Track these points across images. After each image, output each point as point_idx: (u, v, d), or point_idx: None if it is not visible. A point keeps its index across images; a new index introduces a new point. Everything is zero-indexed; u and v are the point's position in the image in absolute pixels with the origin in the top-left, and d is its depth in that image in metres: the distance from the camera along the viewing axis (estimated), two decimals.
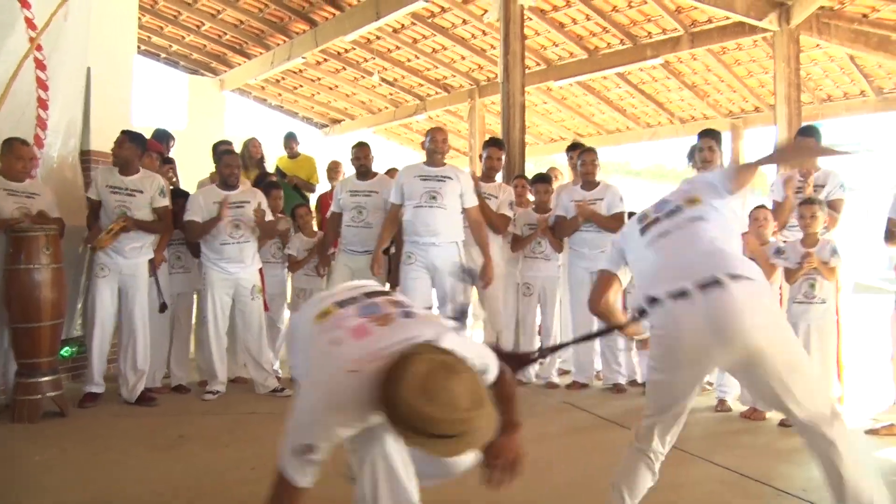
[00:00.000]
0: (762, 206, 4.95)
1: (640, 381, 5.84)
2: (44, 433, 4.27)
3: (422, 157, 6.00)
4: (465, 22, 9.39)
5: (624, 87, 10.75)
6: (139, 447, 4.01)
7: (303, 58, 10.39)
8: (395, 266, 5.71)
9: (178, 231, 5.53)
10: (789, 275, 4.67)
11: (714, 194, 2.69)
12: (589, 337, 4.20)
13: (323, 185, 7.84)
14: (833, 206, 4.95)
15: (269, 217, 5.52)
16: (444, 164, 5.47)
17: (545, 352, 4.78)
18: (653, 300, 2.46)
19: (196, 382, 5.62)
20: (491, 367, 2.23)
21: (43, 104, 5.46)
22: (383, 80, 11.56)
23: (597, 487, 3.47)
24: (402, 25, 9.74)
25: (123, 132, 5.19)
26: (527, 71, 7.38)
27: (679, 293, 2.37)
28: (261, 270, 5.58)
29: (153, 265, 5.26)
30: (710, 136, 5.11)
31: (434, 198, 5.25)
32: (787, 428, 4.53)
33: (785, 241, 4.87)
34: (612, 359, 5.67)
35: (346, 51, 10.85)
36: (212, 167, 6.25)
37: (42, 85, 5.44)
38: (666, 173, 21.88)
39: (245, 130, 8.10)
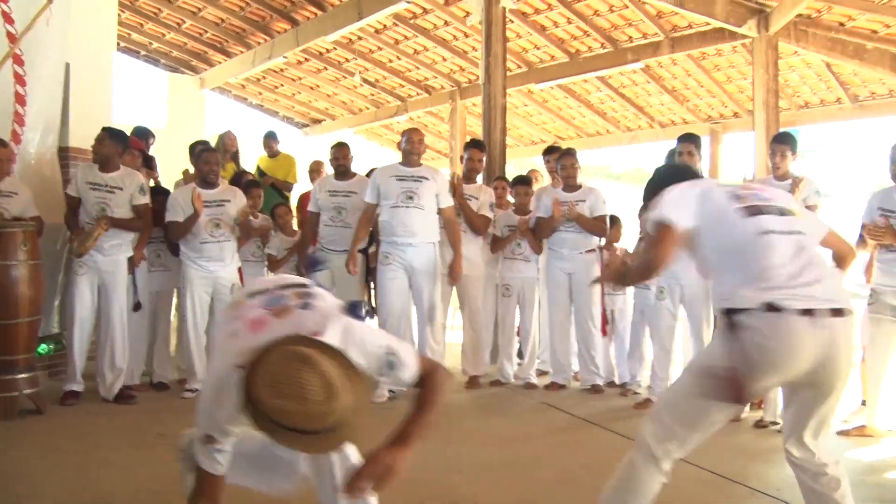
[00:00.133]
0: None
1: (617, 382, 5.90)
2: (21, 431, 4.24)
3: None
4: (446, 23, 9.41)
5: (604, 91, 10.83)
6: (125, 445, 4.00)
7: (284, 57, 10.37)
8: (373, 265, 5.73)
9: (158, 229, 5.50)
10: None
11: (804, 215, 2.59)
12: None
13: (304, 185, 7.83)
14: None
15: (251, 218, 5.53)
16: (421, 164, 5.48)
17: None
18: (769, 306, 2.20)
19: (175, 380, 5.60)
20: (400, 365, 2.14)
21: (21, 100, 5.41)
22: (365, 80, 11.56)
23: (575, 486, 3.52)
24: (384, 26, 9.75)
25: (104, 129, 5.16)
26: (508, 73, 7.41)
27: (807, 310, 2.19)
28: (240, 269, 5.57)
29: (132, 263, 5.24)
30: (689, 140, 5.15)
31: (411, 198, 5.26)
32: (763, 428, 4.61)
33: None
34: (590, 360, 5.71)
35: (328, 51, 10.84)
36: (190, 165, 6.23)
37: (20, 80, 5.40)
38: (646, 177, 22.03)
39: (225, 129, 8.06)
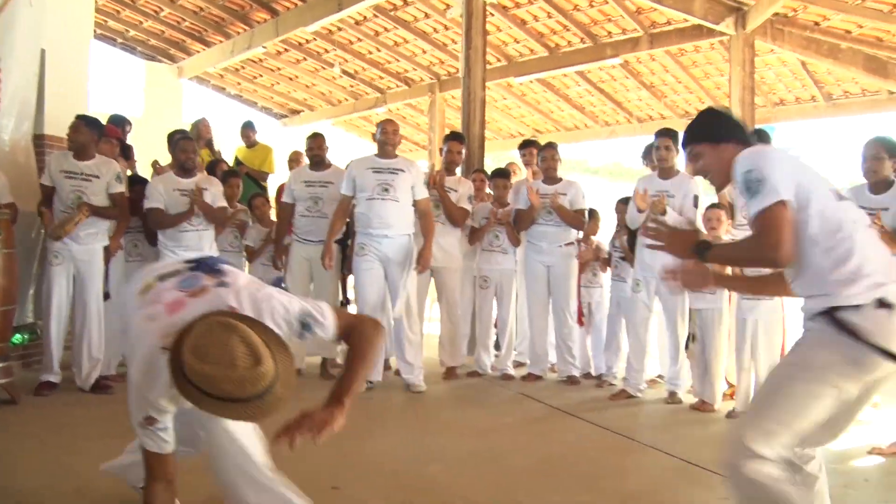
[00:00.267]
0: (715, 207, 5.08)
1: (593, 373, 5.96)
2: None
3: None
4: (427, 16, 9.41)
5: (583, 86, 10.88)
6: (102, 435, 3.97)
7: (263, 47, 10.31)
8: (349, 256, 5.74)
9: (136, 219, 5.47)
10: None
11: None
12: None
13: (283, 175, 7.80)
14: None
15: (220, 204, 5.47)
16: (396, 156, 5.49)
17: None
18: (881, 302, 2.06)
19: None
20: (316, 324, 2.19)
21: None
22: (344, 72, 11.53)
23: (552, 474, 3.57)
24: (365, 17, 9.71)
25: (79, 117, 5.11)
26: (487, 67, 7.44)
27: None
28: None
29: (107, 252, 5.21)
30: (667, 135, 5.21)
31: (387, 190, 5.27)
32: (735, 419, 4.68)
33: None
34: (567, 351, 5.76)
35: (308, 41, 10.78)
36: (167, 155, 6.19)
37: None
38: (623, 171, 22.18)
39: (200, 116, 8.03)
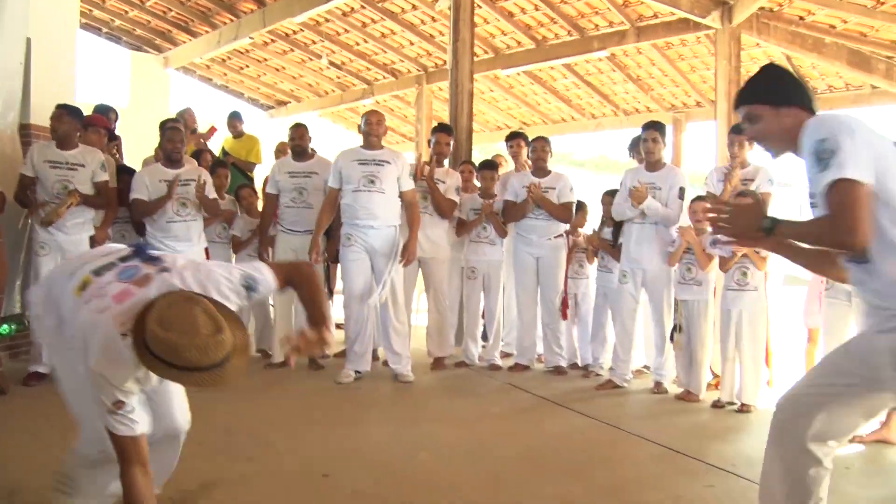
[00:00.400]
0: (700, 199, 5.13)
1: (580, 364, 6.01)
2: None
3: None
4: (414, 7, 9.39)
5: (570, 78, 10.91)
6: None
7: (250, 38, 10.26)
8: (333, 246, 5.77)
9: (123, 209, 5.46)
10: (723, 263, 4.86)
11: None
12: None
13: (269, 166, 7.79)
14: (762, 199, 5.13)
15: (212, 195, 5.48)
16: (382, 147, 5.49)
17: None
18: None
19: None
20: (258, 283, 2.35)
21: None
22: (331, 63, 11.50)
23: (539, 462, 3.61)
24: (352, 9, 9.69)
25: (61, 106, 5.10)
26: (475, 59, 7.45)
27: None
28: (206, 250, 5.55)
29: (92, 242, 5.20)
30: (654, 127, 5.26)
31: (372, 182, 5.28)
32: (720, 409, 4.76)
33: (721, 234, 5.04)
34: (554, 342, 5.81)
35: (294, 32, 10.74)
36: (155, 144, 6.17)
37: None
38: (609, 164, 22.29)
39: (185, 106, 8.00)
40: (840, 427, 2.11)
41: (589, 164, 22.90)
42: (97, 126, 5.56)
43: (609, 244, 5.60)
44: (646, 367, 5.81)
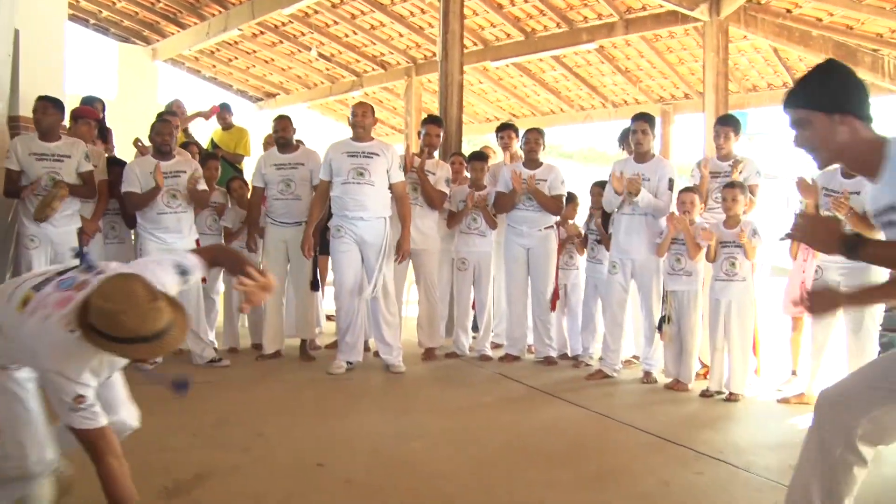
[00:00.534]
0: (688, 190, 5.17)
1: (570, 354, 6.06)
2: None
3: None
4: None
5: (559, 70, 10.93)
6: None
7: (239, 29, 10.23)
8: (320, 236, 5.80)
9: (114, 200, 5.45)
10: (710, 253, 4.91)
11: None
12: None
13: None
14: (750, 190, 5.19)
15: (202, 187, 5.48)
16: (372, 139, 5.49)
17: None
18: None
19: None
20: (189, 268, 2.49)
21: None
22: (320, 55, 11.48)
23: (530, 451, 3.65)
24: (341, 0, 9.68)
25: (45, 98, 5.09)
26: (464, 51, 7.46)
27: None
28: (197, 241, 5.55)
29: (83, 235, 5.21)
30: (643, 119, 5.29)
31: (361, 174, 5.28)
32: (709, 398, 4.81)
33: (708, 224, 5.09)
34: (545, 333, 5.85)
35: (284, 24, 10.71)
36: (144, 136, 6.16)
37: None
38: (597, 156, 22.34)
39: (173, 98, 7.97)
40: (890, 430, 2.11)
41: (577, 156, 22.94)
42: (87, 118, 5.55)
43: (601, 232, 5.65)
44: (635, 357, 5.86)
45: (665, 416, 4.37)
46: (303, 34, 10.98)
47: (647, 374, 5.31)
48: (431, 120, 6.22)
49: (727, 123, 5.41)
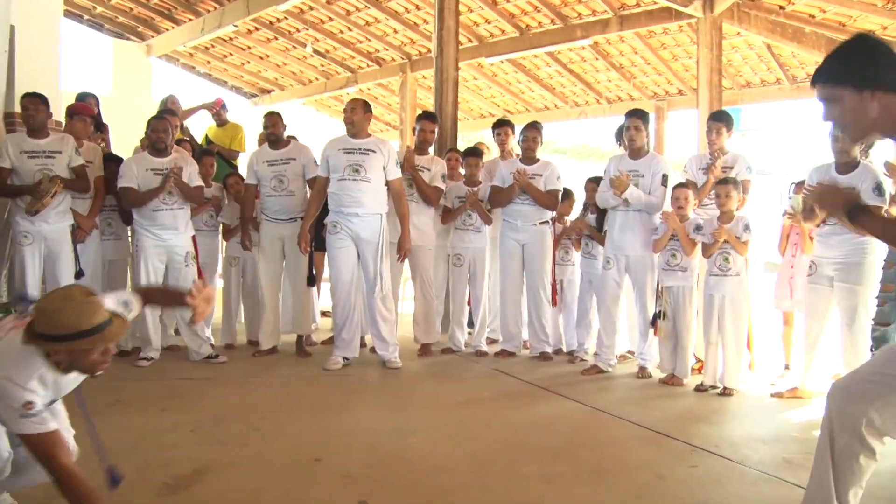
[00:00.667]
0: (682, 186, 5.20)
1: (565, 349, 6.09)
2: None
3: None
4: None
5: (553, 67, 10.95)
6: (74, 412, 4.00)
7: (234, 26, 10.21)
8: (316, 232, 5.79)
9: (110, 197, 5.46)
10: (705, 249, 4.94)
11: None
12: None
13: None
14: (742, 186, 5.22)
15: (196, 183, 5.48)
16: (370, 135, 5.50)
17: None
18: None
19: (129, 349, 5.59)
20: (129, 305, 2.60)
21: None
22: (315, 51, 11.47)
23: (527, 445, 3.68)
24: None
25: (35, 95, 5.10)
26: (459, 47, 7.48)
27: None
28: (194, 238, 5.57)
29: (80, 232, 5.23)
30: (636, 115, 5.32)
31: (357, 171, 5.29)
32: (703, 392, 4.84)
33: (703, 221, 5.12)
34: (540, 328, 5.87)
35: (279, 20, 10.71)
36: (138, 132, 6.17)
37: None
38: (591, 152, 22.39)
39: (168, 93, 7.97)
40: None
41: (571, 152, 22.96)
42: (82, 114, 5.55)
43: (594, 229, 5.67)
44: (630, 352, 5.89)
45: (660, 411, 4.40)
46: (298, 30, 10.98)
47: (642, 368, 5.35)
48: (426, 116, 6.23)
49: (720, 119, 5.44)
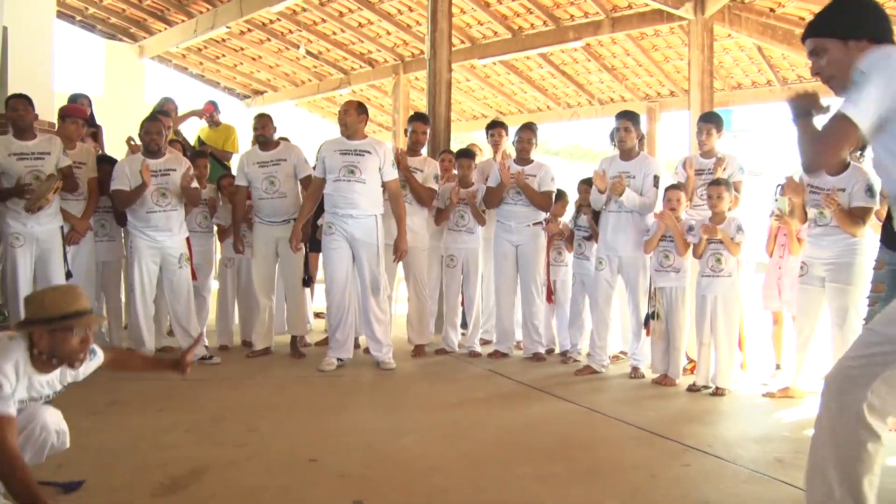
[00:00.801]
0: (674, 188, 5.23)
1: (558, 350, 6.11)
2: None
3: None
4: None
5: (546, 68, 11.00)
6: (73, 412, 4.00)
7: (227, 27, 10.23)
8: (311, 234, 5.83)
9: (104, 198, 5.46)
10: (695, 248, 4.98)
11: None
12: None
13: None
14: (734, 187, 5.26)
15: (195, 184, 5.49)
16: (365, 136, 5.51)
17: None
18: None
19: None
20: (96, 353, 2.82)
21: None
22: (308, 52, 11.48)
23: (520, 445, 3.70)
24: None
25: (19, 97, 5.10)
26: (452, 48, 7.51)
27: None
28: (188, 239, 5.57)
29: (74, 233, 5.23)
30: (626, 116, 5.35)
31: (353, 172, 5.30)
32: (696, 392, 4.88)
33: (695, 221, 5.15)
34: (533, 329, 5.89)
35: (272, 21, 10.73)
36: (130, 133, 6.17)
37: None
38: (583, 153, 22.44)
39: (165, 95, 7.96)
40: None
41: (564, 153, 23.04)
42: (75, 116, 5.54)
43: (572, 232, 5.72)
44: (622, 352, 5.92)
45: (653, 411, 4.43)
46: (290, 32, 11.00)
47: (635, 369, 5.38)
48: (418, 117, 6.25)
49: (710, 120, 5.48)
